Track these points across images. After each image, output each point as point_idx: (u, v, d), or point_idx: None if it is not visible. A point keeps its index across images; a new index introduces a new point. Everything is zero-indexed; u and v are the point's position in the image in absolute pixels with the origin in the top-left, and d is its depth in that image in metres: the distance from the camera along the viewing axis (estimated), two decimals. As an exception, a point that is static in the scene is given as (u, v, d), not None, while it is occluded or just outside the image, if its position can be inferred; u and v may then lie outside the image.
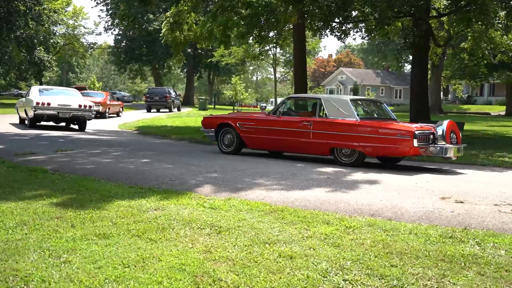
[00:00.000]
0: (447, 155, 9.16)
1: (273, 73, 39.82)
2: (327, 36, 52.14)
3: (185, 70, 61.87)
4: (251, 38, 21.20)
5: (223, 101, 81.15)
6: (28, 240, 4.08)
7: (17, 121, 19.08)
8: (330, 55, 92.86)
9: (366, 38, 23.19)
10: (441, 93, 47.31)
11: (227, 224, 4.71)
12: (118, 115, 27.86)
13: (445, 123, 9.29)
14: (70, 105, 16.54)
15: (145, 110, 35.19)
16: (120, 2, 44.14)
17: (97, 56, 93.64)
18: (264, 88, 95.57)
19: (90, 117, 17.07)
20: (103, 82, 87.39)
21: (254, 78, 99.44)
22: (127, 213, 5.04)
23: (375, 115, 10.97)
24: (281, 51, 38.72)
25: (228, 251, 3.94)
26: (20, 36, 37.73)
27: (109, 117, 25.92)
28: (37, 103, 16.21)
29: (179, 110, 37.34)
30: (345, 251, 4.00)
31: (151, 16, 50.70)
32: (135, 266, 3.54)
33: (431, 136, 9.17)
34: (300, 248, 4.05)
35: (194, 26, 19.28)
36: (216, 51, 37.59)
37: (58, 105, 16.47)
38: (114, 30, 55.31)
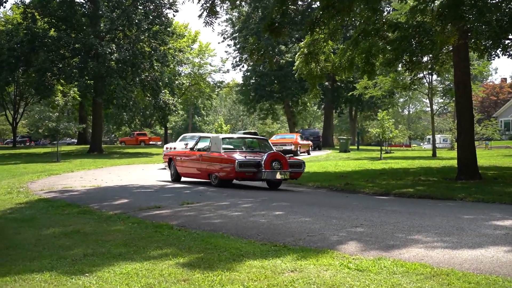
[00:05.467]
0: (264, 178, 14.20)
1: (429, 105, 38.66)
2: (498, 57, 49.41)
3: (323, 106, 62.66)
4: (400, 65, 20.85)
5: (368, 140, 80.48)
6: (153, 304, 4.32)
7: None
8: (504, 80, 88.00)
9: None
10: None
11: (378, 291, 4.58)
12: (308, 153, 36.38)
13: (266, 154, 14.22)
14: None
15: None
16: (249, 35, 46.41)
17: (225, 96, 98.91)
18: (418, 123, 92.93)
19: None
20: (231, 124, 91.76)
21: (406, 111, 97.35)
22: (260, 275, 5.13)
23: (251, 149, 16.04)
24: (439, 78, 37.48)
25: (380, 324, 3.81)
26: (145, 79, 41.12)
27: (301, 154, 34.07)
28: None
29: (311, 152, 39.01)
30: (534, 329, 3.66)
31: (282, 47, 52.47)
32: None
33: (260, 163, 14.02)
34: (473, 323, 3.79)
35: (332, 55, 19.45)
36: (358, 82, 37.51)
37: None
38: (243, 66, 58.11)
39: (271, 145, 16.54)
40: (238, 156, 14.42)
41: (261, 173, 14.01)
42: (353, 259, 5.76)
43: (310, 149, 37.94)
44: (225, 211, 9.68)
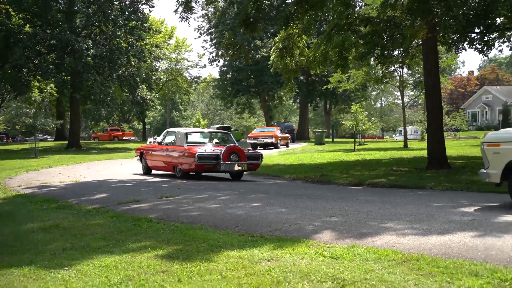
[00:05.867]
0: (222, 169, 14.92)
1: (400, 97, 39.01)
2: (465, 50, 49.80)
3: (298, 100, 62.80)
4: (372, 59, 21.03)
5: (342, 133, 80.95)
6: (133, 295, 4.33)
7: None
8: (471, 72, 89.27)
9: (515, 49, 21.76)
10: None
11: (352, 276, 4.65)
12: (287, 146, 37.60)
13: (225, 148, 14.96)
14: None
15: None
16: (225, 30, 46.29)
17: (202, 91, 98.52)
18: (390, 115, 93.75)
19: None
20: (208, 119, 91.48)
21: (378, 104, 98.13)
22: (238, 265, 5.17)
23: (214, 142, 17.12)
24: (409, 72, 37.85)
25: (353, 309, 3.87)
26: (122, 74, 40.80)
27: (281, 146, 36.25)
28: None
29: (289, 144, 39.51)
30: (499, 310, 3.76)
31: (258, 42, 52.43)
32: (247, 325, 3.60)
33: (219, 156, 14.82)
34: (442, 306, 3.87)
35: (306, 50, 19.52)
36: (332, 76, 37.72)
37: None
38: (219, 61, 57.98)
39: (234, 138, 17.39)
40: (198, 149, 15.09)
41: (220, 165, 14.82)
42: (328, 247, 5.82)
43: (289, 141, 39.57)
44: (203, 204, 9.70)
